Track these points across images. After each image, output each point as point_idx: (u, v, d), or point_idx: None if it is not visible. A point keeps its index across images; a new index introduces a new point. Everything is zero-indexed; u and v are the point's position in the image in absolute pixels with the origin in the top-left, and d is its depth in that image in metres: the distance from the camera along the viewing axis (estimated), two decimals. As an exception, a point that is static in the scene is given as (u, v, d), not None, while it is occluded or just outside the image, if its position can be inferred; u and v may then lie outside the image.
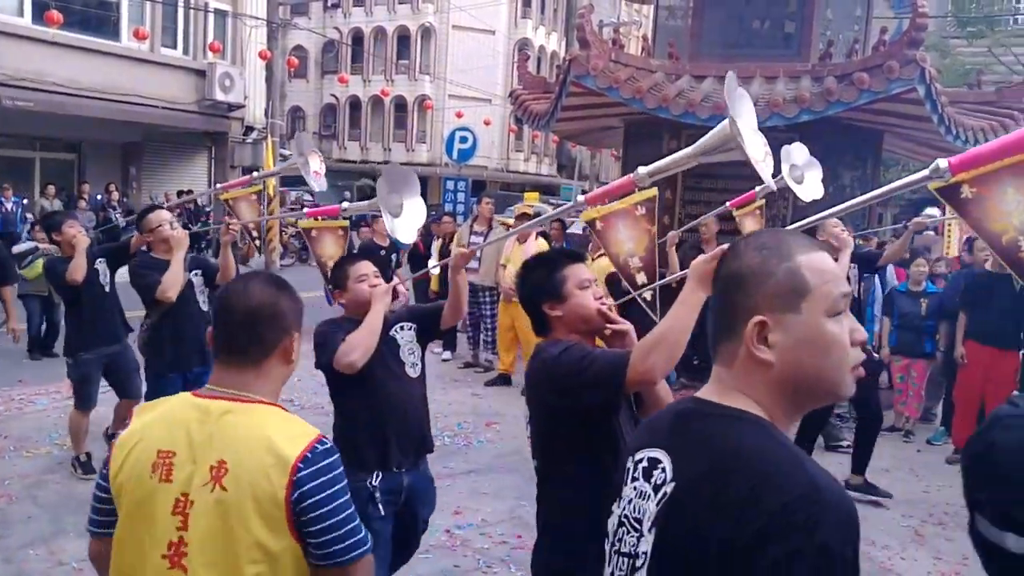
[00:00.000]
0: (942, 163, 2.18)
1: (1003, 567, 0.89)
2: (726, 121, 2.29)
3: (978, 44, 21.82)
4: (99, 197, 15.69)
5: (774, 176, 3.21)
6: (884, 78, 6.28)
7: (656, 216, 3.16)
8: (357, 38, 33.03)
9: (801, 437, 5.26)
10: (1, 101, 13.31)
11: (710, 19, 8.24)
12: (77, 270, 4.70)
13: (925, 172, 2.22)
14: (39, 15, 13.56)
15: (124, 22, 15.73)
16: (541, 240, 7.80)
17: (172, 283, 4.34)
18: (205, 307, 4.64)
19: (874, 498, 5.14)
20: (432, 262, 8.31)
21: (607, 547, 1.26)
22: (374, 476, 2.93)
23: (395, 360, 3.06)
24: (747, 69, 6.89)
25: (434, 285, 8.85)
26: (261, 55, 16.88)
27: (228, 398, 1.59)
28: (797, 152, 3.89)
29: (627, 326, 2.21)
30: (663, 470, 1.17)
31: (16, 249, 8.16)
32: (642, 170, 2.57)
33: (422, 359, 3.18)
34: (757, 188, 4.39)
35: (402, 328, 3.13)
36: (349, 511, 1.57)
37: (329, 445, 1.58)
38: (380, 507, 2.89)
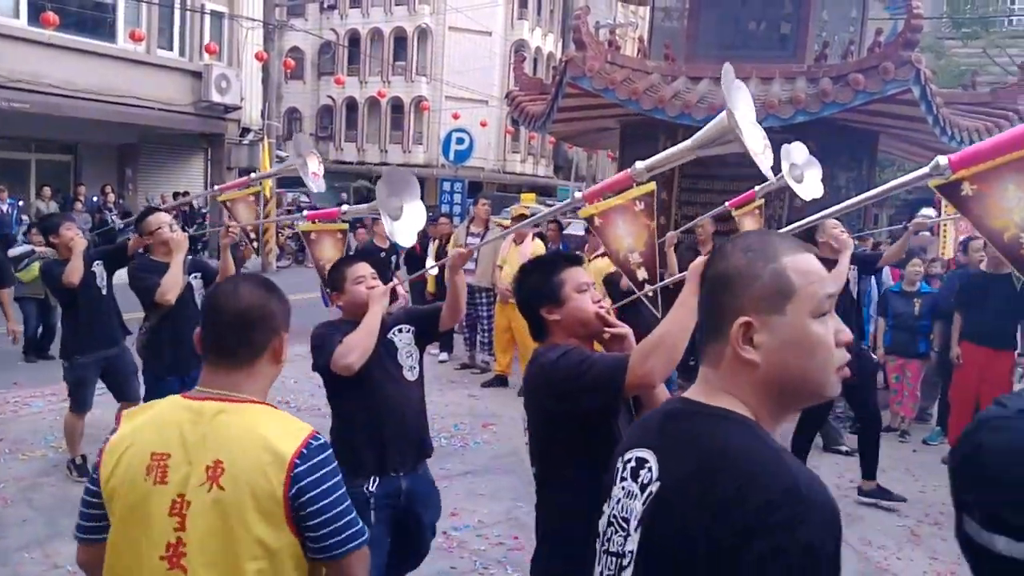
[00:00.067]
0: (942, 160, 2.16)
1: (993, 570, 0.89)
2: (723, 113, 2.26)
3: (973, 45, 21.91)
4: (95, 199, 15.64)
5: (774, 174, 3.21)
6: (879, 79, 6.30)
7: (655, 211, 3.15)
8: (354, 39, 33.02)
9: (799, 437, 5.26)
10: (-3, 103, 13.29)
11: (706, 20, 8.26)
12: (73, 273, 4.69)
13: (925, 170, 2.20)
14: (35, 17, 13.53)
15: (120, 24, 15.69)
16: (537, 241, 7.81)
17: (171, 286, 4.32)
18: None
19: (889, 503, 5.08)
20: (428, 263, 8.31)
21: (597, 547, 1.28)
22: (371, 481, 2.90)
23: (393, 363, 3.03)
24: (743, 70, 6.87)
25: (430, 286, 8.84)
26: (257, 57, 16.88)
27: (220, 399, 1.61)
28: (797, 151, 3.89)
29: (626, 330, 2.19)
30: (649, 470, 1.18)
31: (12, 252, 8.15)
32: (640, 165, 2.55)
33: (420, 362, 3.15)
34: (757, 188, 4.39)
35: (400, 331, 3.10)
36: (345, 504, 1.60)
37: (323, 441, 1.61)
38: (373, 513, 2.86)
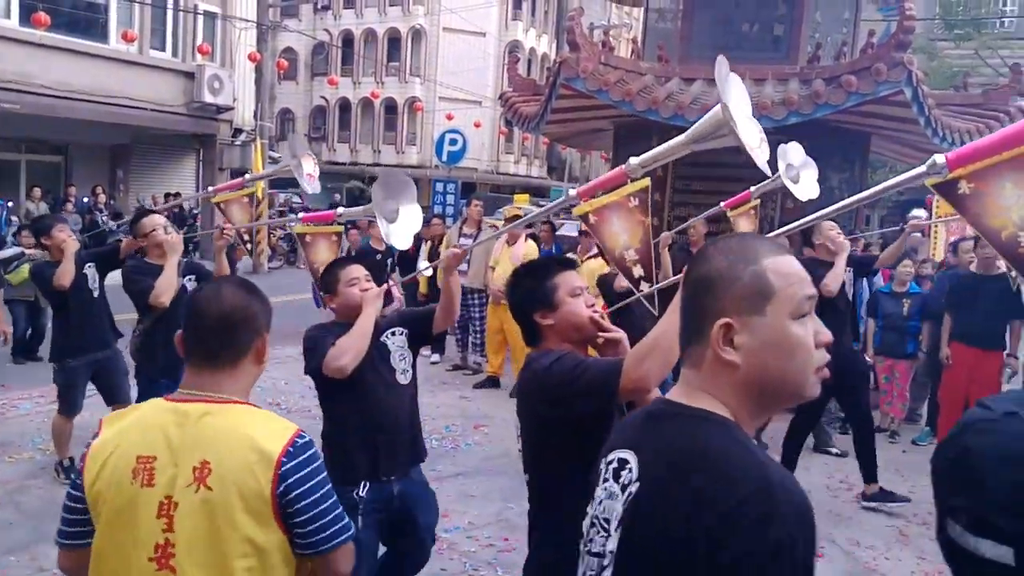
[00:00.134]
0: (939, 159, 2.13)
1: (977, 574, 0.89)
2: (718, 107, 2.23)
3: (965, 47, 22.00)
4: (86, 200, 15.59)
5: (770, 171, 3.20)
6: (872, 80, 6.32)
7: (649, 207, 3.13)
8: (347, 40, 32.99)
9: (790, 442, 5.26)
10: (-12, 103, 13.24)
11: (699, 22, 8.27)
12: (65, 275, 4.66)
13: (922, 168, 2.17)
14: (26, 17, 13.46)
15: (112, 24, 15.65)
16: (530, 242, 7.80)
17: (166, 288, 4.30)
18: None
19: (895, 505, 5.06)
20: (421, 265, 8.30)
21: (581, 547, 1.29)
22: (361, 487, 2.87)
23: (386, 366, 3.01)
24: (736, 71, 6.88)
25: (423, 288, 8.83)
26: (250, 57, 16.84)
27: (204, 400, 1.63)
28: (793, 152, 3.89)
29: (620, 334, 2.16)
30: (630, 470, 1.20)
31: (1, 254, 8.11)
32: (634, 160, 2.52)
33: (413, 365, 3.13)
34: (753, 188, 4.38)
35: (393, 333, 3.07)
36: (331, 500, 1.64)
37: (308, 439, 1.64)
38: (361, 519, 2.83)
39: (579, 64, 7.11)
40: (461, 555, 4.18)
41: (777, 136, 5.83)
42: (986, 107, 7.85)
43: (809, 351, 1.17)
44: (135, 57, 15.83)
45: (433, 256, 8.39)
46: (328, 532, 1.61)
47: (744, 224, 5.38)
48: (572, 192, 2.97)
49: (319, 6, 33.55)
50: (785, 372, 1.16)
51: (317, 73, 33.77)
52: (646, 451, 1.20)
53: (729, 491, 1.05)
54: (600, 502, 1.24)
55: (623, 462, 1.22)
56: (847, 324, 5.40)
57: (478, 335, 8.29)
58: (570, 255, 7.03)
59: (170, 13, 16.67)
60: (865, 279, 7.05)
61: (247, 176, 5.61)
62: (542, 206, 18.22)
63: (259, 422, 1.62)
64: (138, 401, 4.50)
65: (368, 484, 2.89)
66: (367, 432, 2.91)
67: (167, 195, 16.65)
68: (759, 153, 2.31)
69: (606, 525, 1.21)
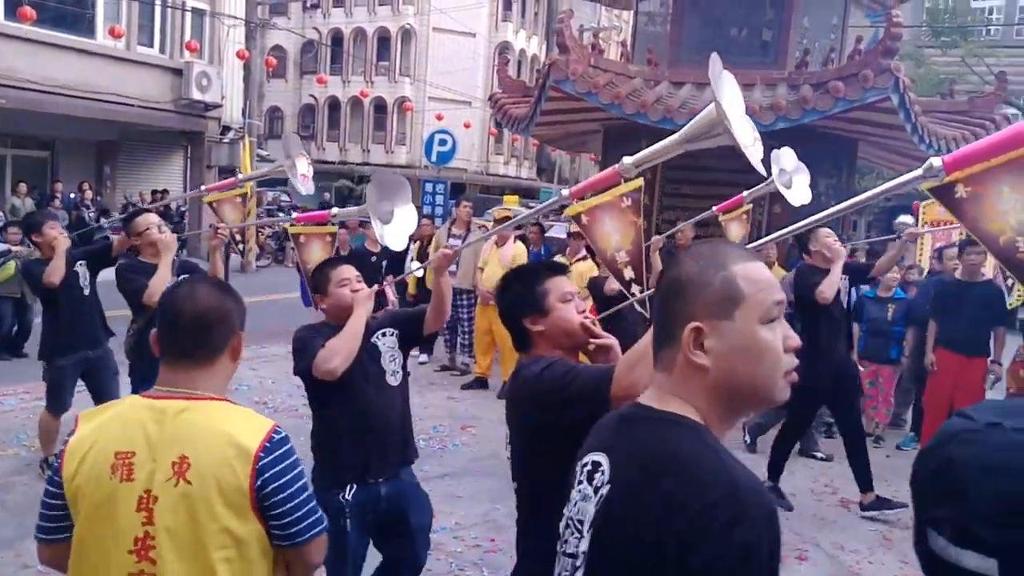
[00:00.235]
0: (936, 162, 2.08)
1: None
2: (711, 105, 2.19)
3: (952, 54, 22.18)
4: (72, 196, 15.47)
5: (766, 177, 3.21)
6: (859, 87, 6.38)
7: (642, 208, 3.12)
8: (337, 39, 32.90)
9: (781, 443, 5.28)
10: (-27, 98, 13.13)
11: (689, 26, 8.32)
12: (55, 272, 4.63)
13: (918, 172, 2.12)
14: (11, 11, 13.36)
15: (100, 19, 15.54)
16: (519, 243, 7.81)
17: (159, 287, 4.25)
18: None
19: (892, 511, 5.02)
20: (411, 266, 8.29)
21: (558, 548, 1.31)
22: (347, 490, 2.86)
23: (376, 367, 2.98)
24: (725, 76, 6.94)
25: (411, 288, 8.82)
26: (239, 55, 16.76)
27: (182, 397, 1.66)
28: (786, 157, 3.90)
29: (611, 341, 2.13)
30: (602, 472, 1.22)
31: (-13, 251, 8.04)
32: (627, 160, 2.47)
33: (404, 366, 3.11)
34: (746, 192, 4.38)
35: (384, 334, 3.05)
36: (307, 493, 1.70)
37: (284, 434, 1.69)
38: (348, 521, 2.82)
39: (569, 66, 7.14)
40: (447, 555, 4.18)
41: (766, 141, 5.89)
42: (972, 114, 7.95)
43: (778, 355, 1.19)
44: (122, 53, 15.72)
45: (422, 257, 8.38)
46: (303, 524, 1.67)
47: (735, 228, 5.36)
48: (564, 192, 2.92)
49: (308, 4, 33.44)
50: (754, 376, 1.18)
51: (306, 71, 33.65)
52: (618, 454, 1.22)
53: (699, 495, 1.07)
54: (575, 504, 1.27)
55: (596, 464, 1.24)
56: (843, 332, 5.40)
57: (466, 336, 8.29)
58: (559, 258, 7.04)
59: (158, 9, 16.57)
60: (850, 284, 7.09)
61: (240, 176, 5.59)
62: (531, 207, 18.27)
63: (236, 418, 1.67)
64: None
65: (354, 487, 2.87)
66: (357, 434, 2.89)
67: (154, 192, 16.55)
68: (753, 152, 2.29)
69: (580, 526, 1.24)
